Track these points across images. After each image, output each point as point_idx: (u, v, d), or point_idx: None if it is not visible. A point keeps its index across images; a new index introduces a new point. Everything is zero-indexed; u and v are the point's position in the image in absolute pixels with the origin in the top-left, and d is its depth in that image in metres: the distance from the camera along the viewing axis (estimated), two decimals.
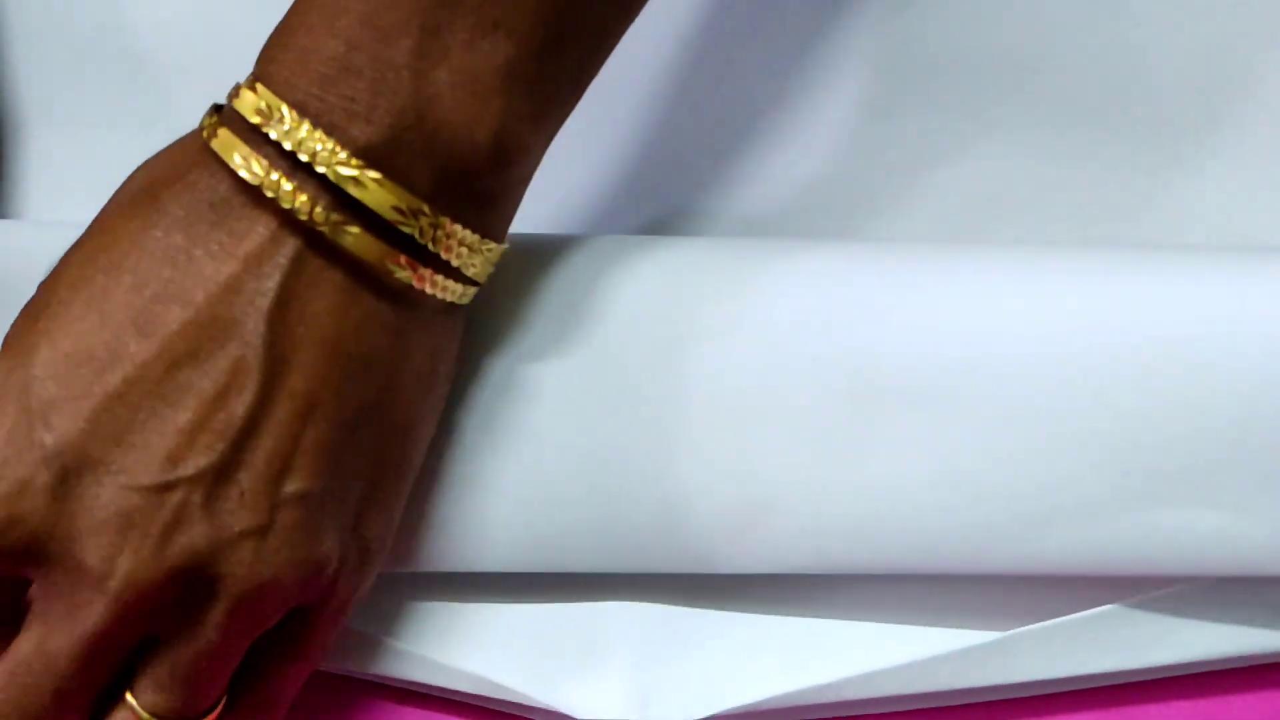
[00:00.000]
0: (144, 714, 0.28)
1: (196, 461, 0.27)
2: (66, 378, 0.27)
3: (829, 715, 0.35)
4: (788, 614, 0.35)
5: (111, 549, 0.26)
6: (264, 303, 0.27)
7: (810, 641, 0.35)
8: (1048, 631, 0.34)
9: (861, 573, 0.35)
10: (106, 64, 0.42)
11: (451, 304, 0.30)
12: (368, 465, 0.29)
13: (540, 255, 0.37)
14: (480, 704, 0.35)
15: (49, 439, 0.26)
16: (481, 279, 0.31)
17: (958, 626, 0.35)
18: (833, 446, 0.34)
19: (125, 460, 0.26)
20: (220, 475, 0.27)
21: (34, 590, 0.28)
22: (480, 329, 0.36)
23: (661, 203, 0.41)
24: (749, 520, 0.34)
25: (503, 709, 0.35)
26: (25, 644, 0.28)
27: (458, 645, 0.35)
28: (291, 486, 0.27)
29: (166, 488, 0.26)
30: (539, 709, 0.34)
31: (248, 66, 0.29)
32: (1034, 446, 0.34)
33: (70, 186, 0.41)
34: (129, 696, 0.28)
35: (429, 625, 0.36)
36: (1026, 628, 0.34)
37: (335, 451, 0.28)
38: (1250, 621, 0.34)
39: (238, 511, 0.27)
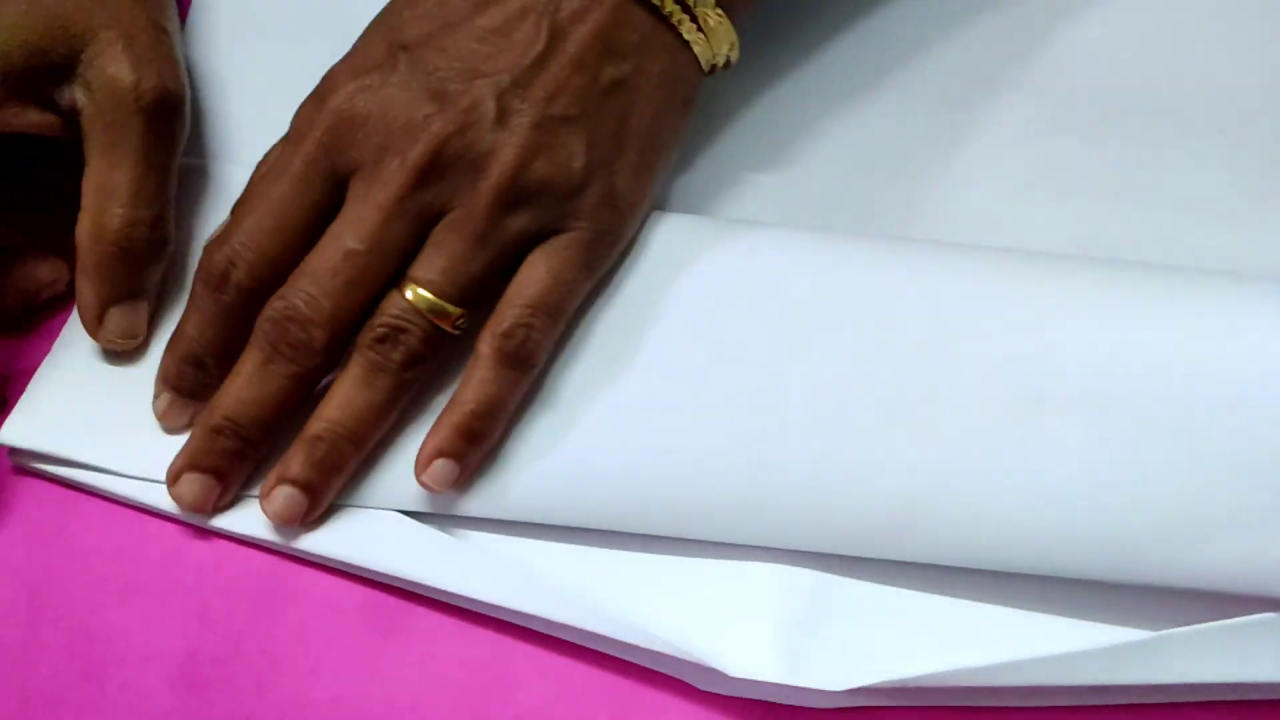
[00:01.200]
0: (417, 289, 0.35)
1: (497, 73, 0.36)
2: (425, 18, 0.37)
3: (975, 701, 0.35)
4: (939, 594, 0.36)
5: (421, 120, 0.35)
6: None
7: (962, 624, 0.35)
8: (1203, 634, 0.34)
9: (1012, 571, 0.35)
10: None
11: (691, 60, 0.38)
12: (617, 127, 0.37)
13: (706, 239, 0.39)
14: (623, 653, 0.35)
15: (402, 39, 0.37)
16: (713, 56, 0.39)
17: (1113, 622, 0.35)
18: (995, 445, 0.35)
19: (443, 63, 0.36)
20: (512, 85, 0.36)
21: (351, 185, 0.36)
22: (645, 308, 0.38)
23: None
24: (907, 511, 0.35)
25: (644, 660, 0.35)
26: (339, 223, 0.36)
27: (611, 590, 0.36)
28: (558, 109, 0.36)
29: (472, 77, 0.36)
30: (689, 662, 0.34)
31: None
32: (1197, 460, 0.35)
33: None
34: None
35: (584, 569, 0.36)
36: (1181, 629, 0.34)
37: (593, 102, 0.37)
38: None
39: (518, 109, 0.36)
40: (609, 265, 0.38)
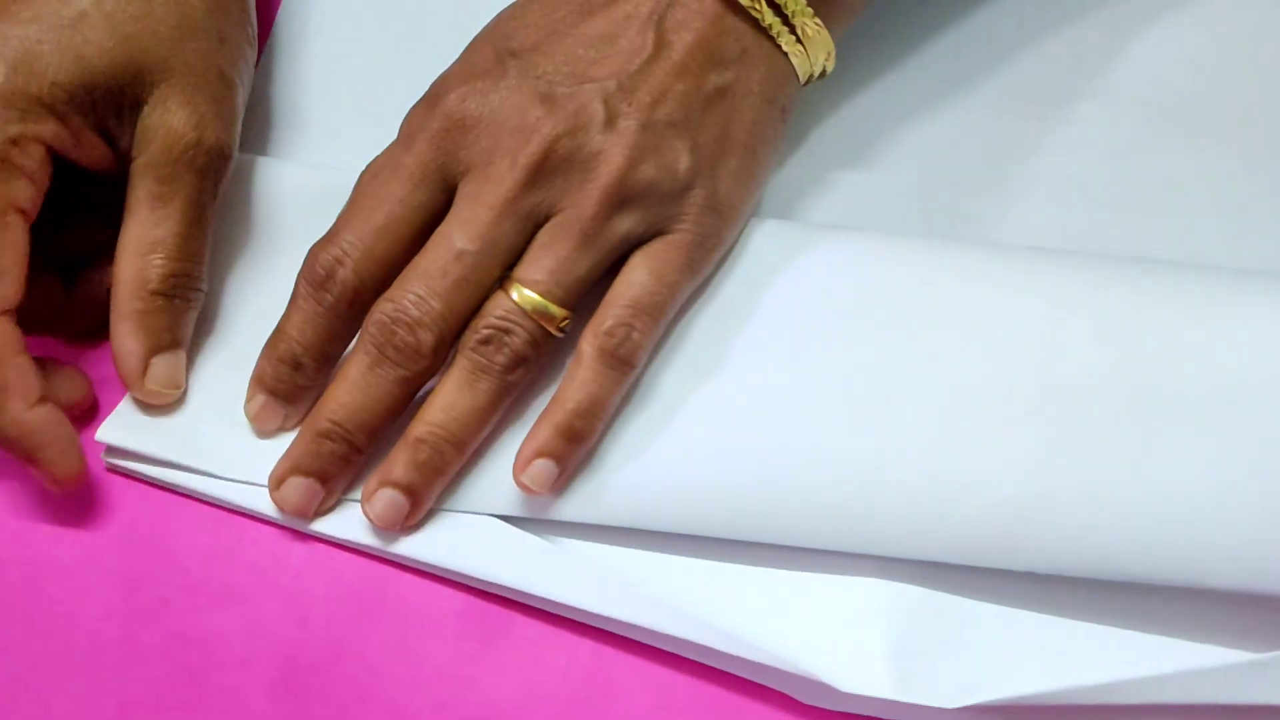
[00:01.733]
0: (523, 290, 0.35)
1: (604, 78, 0.36)
2: (533, 26, 0.37)
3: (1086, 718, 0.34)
4: (1049, 609, 0.35)
5: (532, 122, 0.36)
6: (662, 5, 0.37)
7: (1075, 640, 0.35)
8: None
9: (1128, 581, 0.34)
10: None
11: (789, 69, 0.38)
12: (720, 133, 0.37)
13: (804, 244, 0.39)
14: (727, 665, 0.35)
15: (510, 46, 0.37)
16: (810, 65, 0.39)
17: (1233, 640, 0.34)
18: (1112, 452, 0.35)
19: (551, 68, 0.36)
20: (618, 90, 0.36)
21: (460, 187, 0.36)
22: (745, 312, 0.38)
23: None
24: (1021, 519, 0.35)
25: (748, 672, 0.35)
26: (448, 223, 0.36)
27: (714, 600, 0.35)
28: (663, 114, 0.36)
29: (580, 81, 0.36)
30: (796, 676, 0.34)
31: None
32: None
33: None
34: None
35: (686, 578, 0.36)
36: None
37: (696, 108, 0.37)
38: None
39: (625, 113, 0.36)
40: (710, 269, 0.38)
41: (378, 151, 0.38)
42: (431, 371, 0.36)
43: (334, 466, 0.36)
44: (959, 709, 0.33)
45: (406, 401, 0.36)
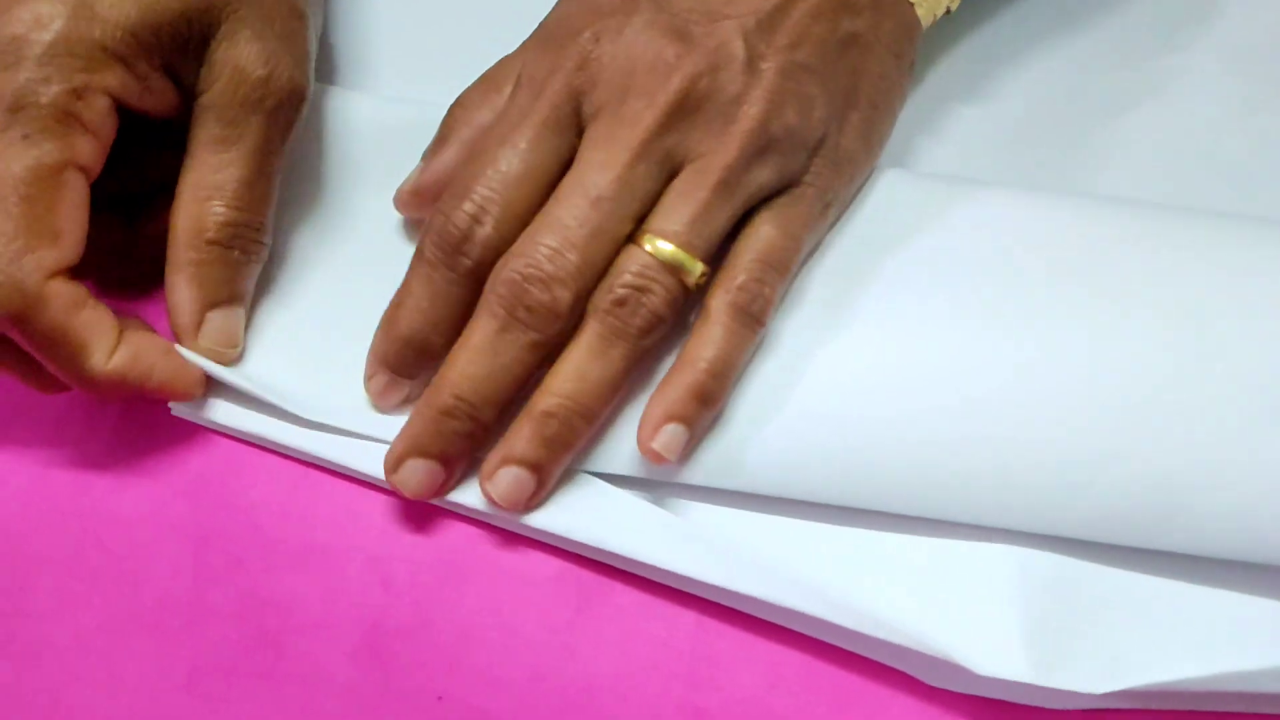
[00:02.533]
0: (657, 241, 0.32)
1: (741, 15, 0.33)
2: None
3: (1236, 707, 0.31)
4: (1193, 584, 0.32)
5: (670, 59, 0.33)
6: None
7: (1222, 620, 0.32)
8: None
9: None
10: None
11: (915, 18, 0.36)
12: (850, 83, 0.35)
13: (929, 198, 0.36)
14: (844, 641, 0.32)
15: None
16: (935, 9, 0.37)
17: None
18: (1265, 429, 0.32)
19: (685, 4, 0.34)
20: (756, 28, 0.33)
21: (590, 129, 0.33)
22: (870, 270, 0.35)
23: None
24: (1167, 496, 0.32)
25: (866, 649, 0.32)
26: (580, 168, 0.33)
27: (832, 571, 0.33)
28: (800, 57, 0.34)
29: (716, 19, 0.33)
30: (924, 656, 0.31)
31: None
32: None
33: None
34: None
35: (803, 546, 0.33)
36: None
37: (831, 54, 0.34)
38: None
39: (765, 54, 0.33)
40: (830, 226, 0.35)
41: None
42: (566, 335, 0.33)
43: (458, 446, 0.33)
44: (1105, 694, 0.31)
45: (535, 369, 0.33)
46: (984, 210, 0.36)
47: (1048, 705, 0.31)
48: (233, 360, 0.35)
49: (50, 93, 0.32)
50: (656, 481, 0.34)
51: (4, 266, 0.31)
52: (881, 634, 0.31)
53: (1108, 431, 0.32)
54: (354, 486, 0.34)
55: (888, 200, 0.36)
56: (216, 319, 0.34)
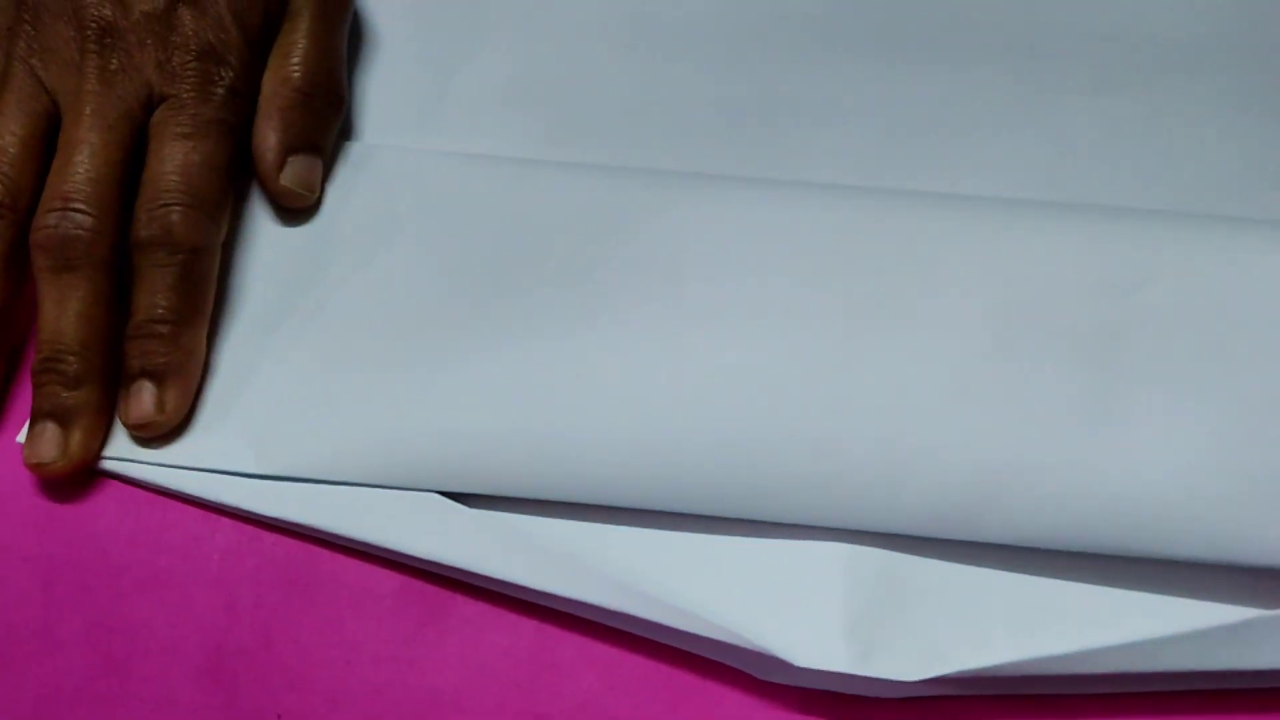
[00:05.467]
0: None
1: None
2: None
3: (1054, 689, 0.33)
4: (1013, 571, 0.34)
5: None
6: None
7: (1039, 605, 0.33)
8: None
9: (1097, 553, 0.33)
10: None
11: None
12: None
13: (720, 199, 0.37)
14: (678, 642, 0.33)
15: None
16: None
17: (1202, 603, 0.33)
18: (1077, 419, 0.33)
19: None
20: None
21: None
22: (667, 269, 0.36)
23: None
24: (982, 489, 0.33)
25: (701, 649, 0.33)
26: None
27: (664, 574, 0.33)
28: None
29: None
30: (751, 651, 0.32)
31: None
32: (1273, 432, 0.33)
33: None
34: None
35: (634, 552, 0.34)
36: (1269, 612, 0.32)
37: None
38: None
39: None
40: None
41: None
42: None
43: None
44: (921, 681, 0.32)
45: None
46: (796, 211, 0.37)
47: (869, 694, 0.32)
48: (309, 202, 0.39)
49: None
50: (492, 497, 0.34)
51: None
52: (707, 632, 0.32)
53: (922, 428, 0.34)
54: (198, 512, 0.35)
55: (690, 202, 0.37)
56: (295, 163, 0.38)
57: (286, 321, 0.37)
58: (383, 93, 0.42)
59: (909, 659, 0.32)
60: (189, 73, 0.37)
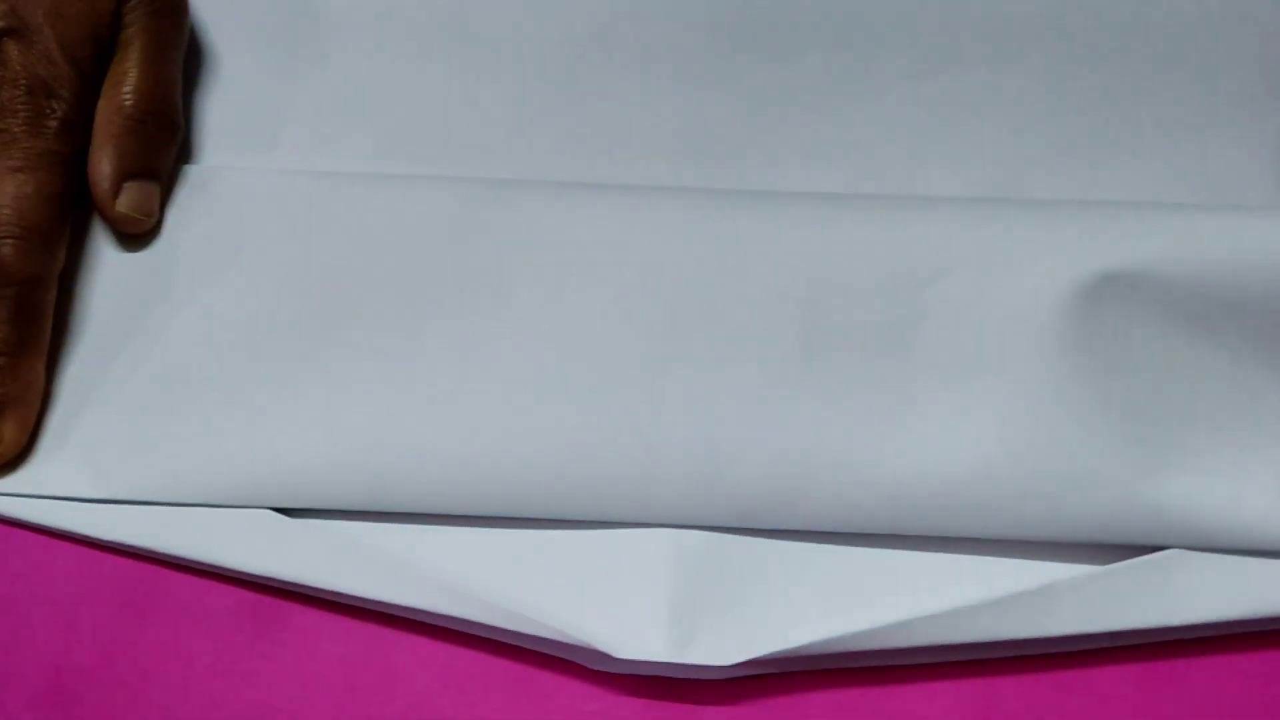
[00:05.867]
0: None
1: None
2: None
3: (871, 662, 0.34)
4: (833, 545, 0.35)
5: None
6: None
7: (854, 582, 0.34)
8: (1092, 581, 0.34)
9: (900, 533, 0.35)
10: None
11: None
12: None
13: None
14: (509, 639, 0.34)
15: None
16: None
17: (1005, 574, 0.34)
18: (874, 409, 0.35)
19: None
20: None
21: None
22: (497, 283, 0.37)
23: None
24: (790, 480, 0.35)
25: (531, 644, 0.34)
26: None
27: (491, 574, 0.34)
28: None
29: None
30: (573, 645, 0.33)
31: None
32: (1071, 414, 0.34)
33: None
34: None
35: (463, 553, 0.35)
36: (1069, 577, 0.34)
37: None
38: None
39: None
40: None
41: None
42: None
43: None
44: (736, 665, 0.33)
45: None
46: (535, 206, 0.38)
47: (694, 677, 0.34)
48: (148, 227, 0.39)
49: None
50: (322, 510, 0.35)
51: None
52: (536, 631, 0.33)
53: (737, 424, 0.35)
54: (38, 538, 0.36)
55: (416, 203, 0.38)
56: (131, 189, 0.39)
57: (126, 347, 0.37)
58: (223, 115, 0.42)
59: (727, 643, 0.33)
60: (19, 107, 0.37)
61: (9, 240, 0.36)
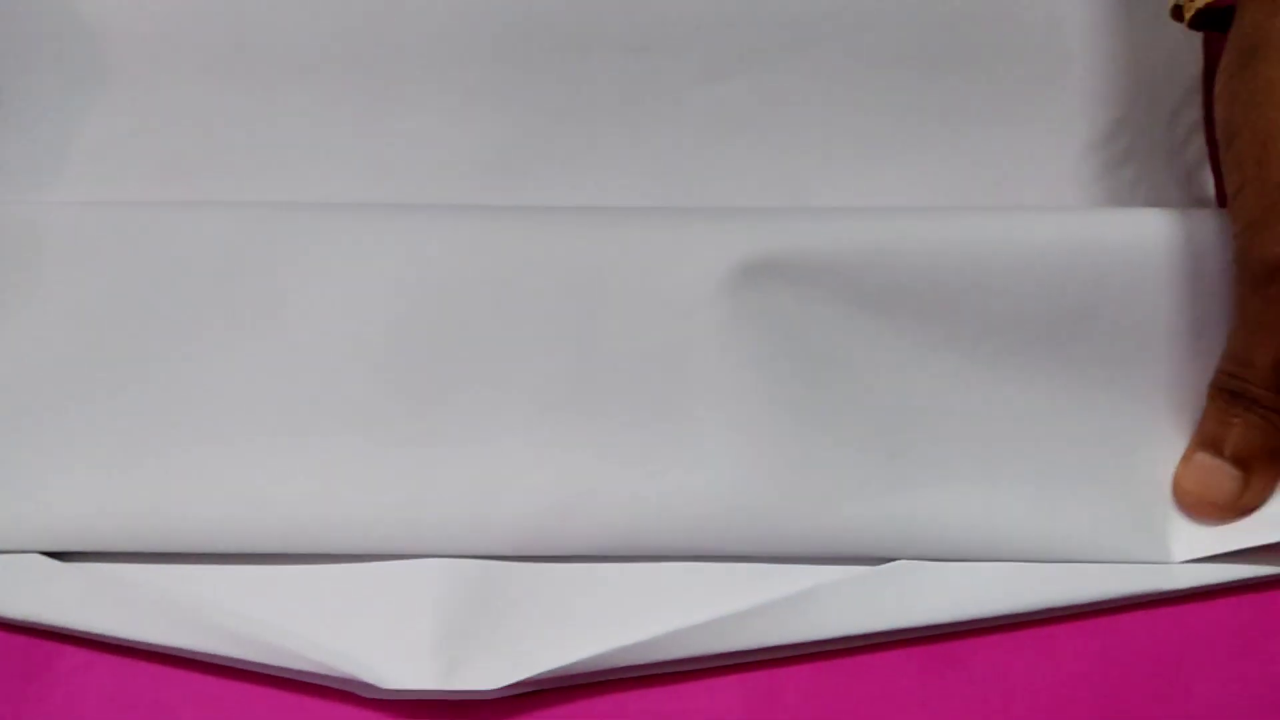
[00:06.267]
0: None
1: None
2: None
3: (640, 673, 0.34)
4: (609, 563, 0.35)
5: None
6: None
7: (628, 598, 0.34)
8: (848, 585, 0.34)
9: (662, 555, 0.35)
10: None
11: None
12: None
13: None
14: (275, 671, 0.34)
15: None
16: None
17: (769, 584, 0.34)
18: (636, 432, 0.35)
19: None
20: None
21: None
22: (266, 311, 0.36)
23: None
24: (556, 507, 0.34)
25: (298, 677, 0.34)
26: None
27: (261, 610, 0.34)
28: None
29: None
30: (339, 678, 0.33)
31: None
32: (819, 434, 0.35)
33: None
34: None
35: (232, 591, 0.34)
36: (828, 580, 0.34)
37: None
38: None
39: None
40: None
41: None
42: None
43: None
44: (503, 688, 0.33)
45: None
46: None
47: (465, 699, 0.33)
48: None
49: None
50: (89, 553, 0.35)
51: None
52: (304, 665, 0.33)
53: (507, 454, 0.34)
54: None
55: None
56: None
57: None
58: (3, 149, 0.40)
59: (496, 666, 0.33)
60: None
61: None
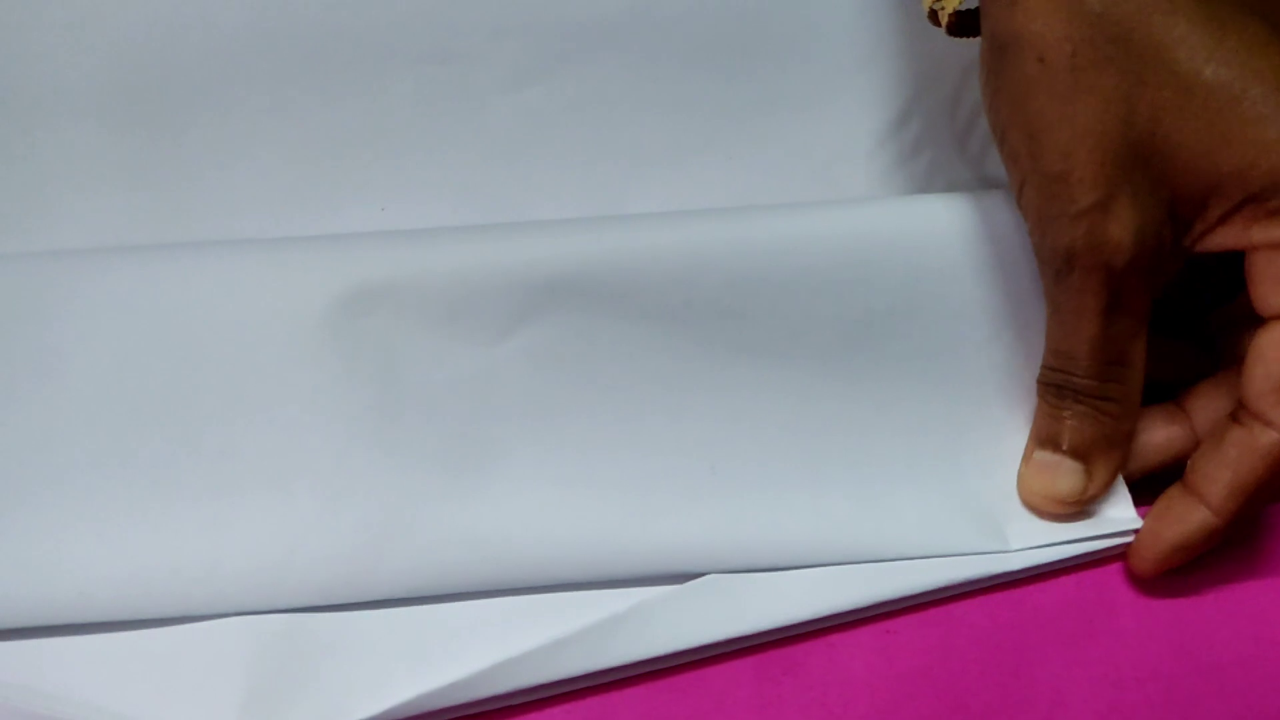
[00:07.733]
0: None
1: None
2: None
3: (463, 712, 0.33)
4: (422, 604, 0.34)
5: None
6: None
7: (444, 637, 0.33)
8: (676, 597, 0.33)
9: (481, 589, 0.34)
10: None
11: None
12: None
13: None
14: None
15: None
16: None
17: (594, 609, 0.34)
18: (448, 465, 0.34)
19: None
20: None
21: None
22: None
23: None
24: (367, 549, 0.33)
25: None
26: None
27: (59, 679, 0.33)
28: None
29: None
30: None
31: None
32: (625, 460, 0.34)
33: None
34: None
35: (22, 659, 0.33)
36: (652, 598, 0.33)
37: None
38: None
39: None
40: None
41: None
42: None
43: None
44: None
45: None
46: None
47: None
48: None
49: None
50: None
51: None
52: None
53: (309, 497, 0.33)
54: None
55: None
56: None
57: None
58: None
59: (310, 717, 0.32)
60: None
61: None
